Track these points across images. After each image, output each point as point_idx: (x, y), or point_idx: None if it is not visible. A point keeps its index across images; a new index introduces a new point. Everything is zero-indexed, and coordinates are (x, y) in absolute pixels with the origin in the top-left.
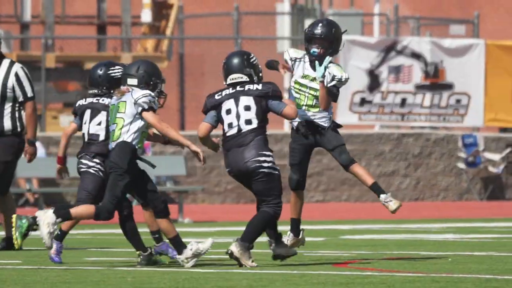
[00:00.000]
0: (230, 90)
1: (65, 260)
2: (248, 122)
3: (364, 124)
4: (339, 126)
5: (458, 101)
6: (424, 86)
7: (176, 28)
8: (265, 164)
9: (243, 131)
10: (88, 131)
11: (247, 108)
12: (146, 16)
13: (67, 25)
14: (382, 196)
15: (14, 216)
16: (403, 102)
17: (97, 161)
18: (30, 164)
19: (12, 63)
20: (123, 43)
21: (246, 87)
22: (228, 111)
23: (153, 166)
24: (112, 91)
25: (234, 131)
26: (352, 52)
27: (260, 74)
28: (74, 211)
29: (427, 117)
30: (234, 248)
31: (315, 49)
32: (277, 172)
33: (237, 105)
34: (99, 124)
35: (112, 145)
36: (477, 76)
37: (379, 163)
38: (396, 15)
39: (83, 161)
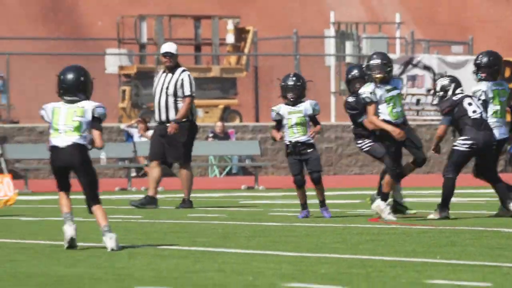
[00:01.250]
0: (461, 94)
1: (173, 217)
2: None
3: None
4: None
5: None
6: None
7: (252, 47)
8: (494, 143)
9: (483, 116)
10: None
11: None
12: (230, 38)
13: None
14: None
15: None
16: (418, 102)
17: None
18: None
19: (183, 71)
20: (213, 58)
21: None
22: (470, 104)
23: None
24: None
25: (477, 115)
26: None
27: None
28: (385, 182)
29: (436, 113)
30: None
31: (480, 74)
32: None
33: (472, 99)
34: None
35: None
36: (472, 84)
37: None
38: (412, 38)
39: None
